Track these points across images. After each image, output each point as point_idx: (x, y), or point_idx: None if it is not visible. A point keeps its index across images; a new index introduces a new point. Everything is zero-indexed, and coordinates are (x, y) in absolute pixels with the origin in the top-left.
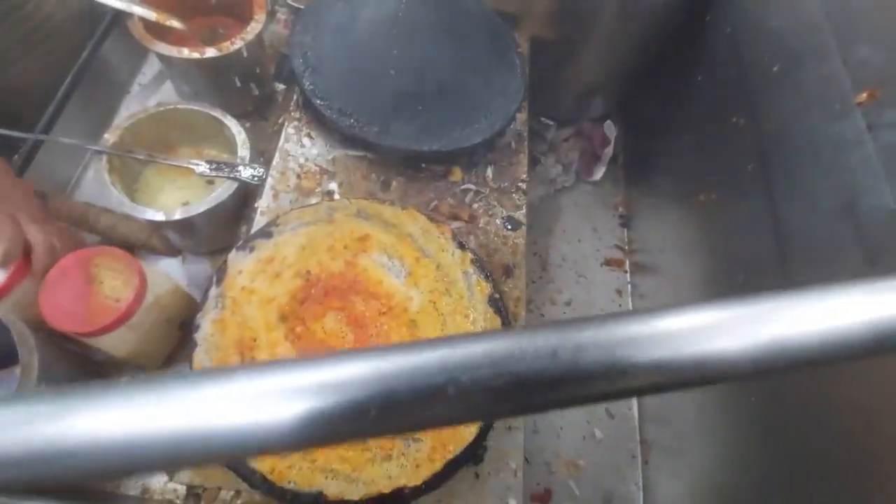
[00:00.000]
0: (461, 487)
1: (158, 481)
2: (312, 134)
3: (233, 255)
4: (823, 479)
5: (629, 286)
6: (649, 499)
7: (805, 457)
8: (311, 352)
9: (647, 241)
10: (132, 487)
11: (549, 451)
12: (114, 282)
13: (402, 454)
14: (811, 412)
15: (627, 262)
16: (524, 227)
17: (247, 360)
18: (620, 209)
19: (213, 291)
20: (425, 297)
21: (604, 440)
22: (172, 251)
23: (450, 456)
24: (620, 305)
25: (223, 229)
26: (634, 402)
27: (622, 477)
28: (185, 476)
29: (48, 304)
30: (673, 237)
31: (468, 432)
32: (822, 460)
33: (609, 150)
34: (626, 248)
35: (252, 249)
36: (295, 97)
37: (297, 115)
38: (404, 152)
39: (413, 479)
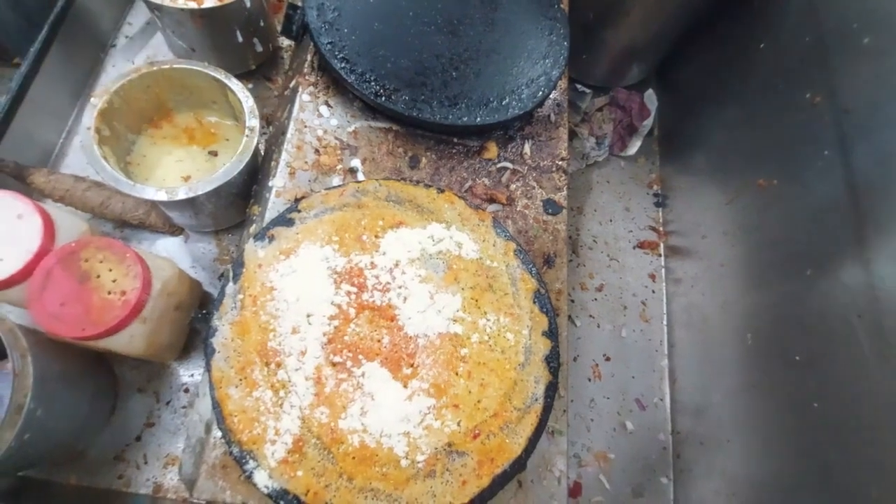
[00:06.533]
0: (503, 497)
1: (171, 479)
2: (331, 102)
3: (250, 247)
4: (880, 483)
5: (663, 270)
6: (680, 492)
7: (860, 460)
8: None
9: (684, 223)
10: (143, 485)
11: (579, 443)
12: (112, 274)
13: (447, 470)
14: (865, 410)
15: (662, 246)
16: (565, 212)
17: (272, 367)
18: (655, 187)
19: (230, 289)
20: (466, 293)
21: (635, 432)
22: (174, 229)
23: (498, 470)
24: (654, 292)
25: (230, 208)
26: (667, 392)
27: (653, 469)
28: (207, 493)
29: (40, 313)
30: (716, 221)
31: (517, 444)
32: (878, 465)
33: (648, 123)
34: (661, 229)
35: (271, 239)
36: (309, 57)
37: (313, 78)
38: (437, 126)
39: (459, 496)
